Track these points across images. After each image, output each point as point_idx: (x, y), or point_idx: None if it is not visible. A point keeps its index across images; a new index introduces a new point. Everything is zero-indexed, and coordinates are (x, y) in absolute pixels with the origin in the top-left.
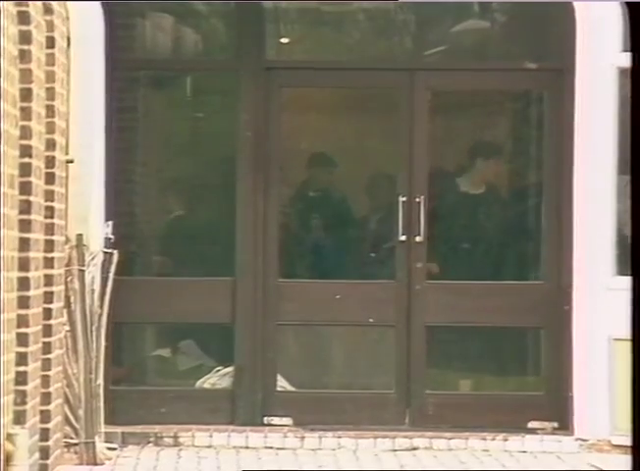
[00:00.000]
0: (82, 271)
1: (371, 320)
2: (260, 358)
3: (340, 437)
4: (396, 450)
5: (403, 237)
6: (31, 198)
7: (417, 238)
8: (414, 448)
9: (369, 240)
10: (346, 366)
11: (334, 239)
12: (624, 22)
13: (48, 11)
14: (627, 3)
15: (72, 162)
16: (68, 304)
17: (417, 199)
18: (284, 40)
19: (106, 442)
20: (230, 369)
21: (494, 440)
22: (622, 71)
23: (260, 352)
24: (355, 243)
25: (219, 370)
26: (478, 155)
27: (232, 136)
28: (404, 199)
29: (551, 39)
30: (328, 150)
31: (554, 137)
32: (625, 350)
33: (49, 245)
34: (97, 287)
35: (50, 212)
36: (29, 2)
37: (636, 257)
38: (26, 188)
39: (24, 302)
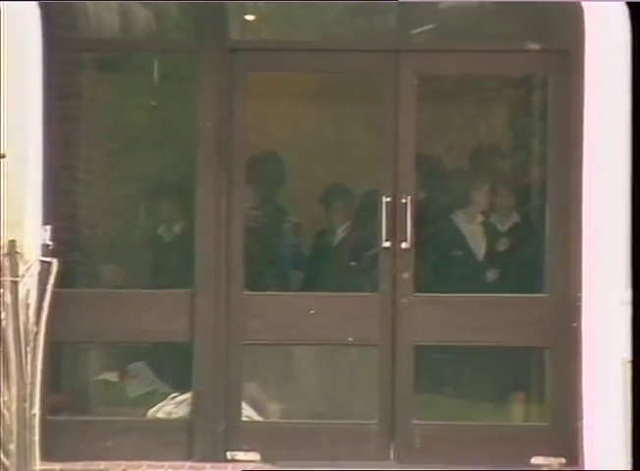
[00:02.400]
0: (16, 282)
1: (351, 339)
2: (222, 383)
3: None
4: None
5: (388, 244)
6: None
7: (403, 245)
8: None
9: (348, 247)
10: (321, 392)
11: (308, 246)
12: None
13: None
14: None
15: (4, 157)
16: None
17: (403, 200)
18: (249, 17)
19: None
20: (187, 396)
21: None
22: None
23: (223, 376)
24: (333, 250)
25: (175, 397)
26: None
27: (190, 128)
28: (389, 200)
29: (555, 16)
30: (300, 143)
31: (559, 129)
32: None
33: None
34: (33, 300)
35: None
36: None
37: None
38: None
39: None
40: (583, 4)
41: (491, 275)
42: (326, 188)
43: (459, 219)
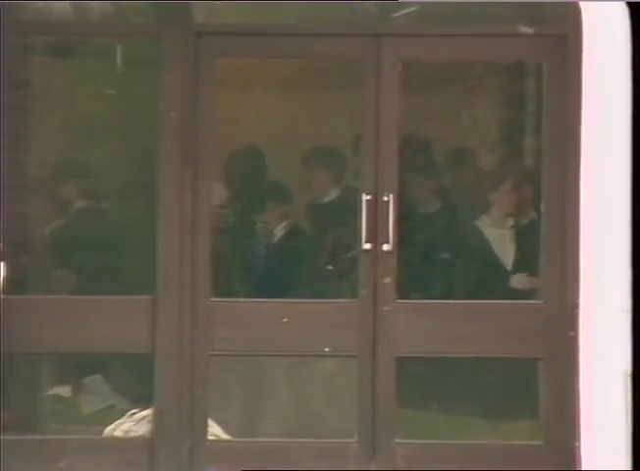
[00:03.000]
0: None
1: (327, 349)
2: (187, 398)
3: None
4: None
5: (368, 246)
6: None
7: (385, 247)
8: None
9: (325, 249)
10: (295, 408)
11: (281, 248)
12: None
13: None
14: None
15: None
16: None
17: (385, 198)
18: None
19: None
20: (148, 412)
21: None
22: None
23: (187, 391)
24: (308, 253)
25: (134, 413)
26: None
27: (153, 119)
28: (369, 198)
29: None
30: (273, 136)
31: (554, 120)
32: None
33: None
34: None
35: None
36: None
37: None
38: None
39: None
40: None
41: (480, 280)
42: (303, 185)
43: (446, 218)
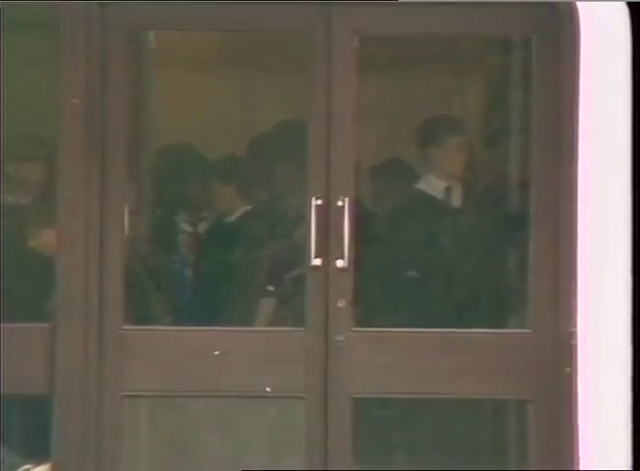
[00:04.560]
0: None
1: (268, 389)
2: (93, 449)
3: None
4: None
5: (318, 262)
6: None
7: (339, 263)
8: None
9: (265, 266)
10: (228, 461)
11: (211, 264)
12: None
13: None
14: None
15: None
16: None
17: (339, 203)
18: None
19: None
20: (45, 467)
21: None
22: None
23: (93, 439)
24: (245, 270)
25: (28, 469)
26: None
27: (50, 105)
28: (320, 203)
29: None
30: (198, 126)
31: (547, 108)
32: None
33: None
34: None
35: None
36: None
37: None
38: None
39: None
40: None
41: (456, 304)
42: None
43: (414, 228)
